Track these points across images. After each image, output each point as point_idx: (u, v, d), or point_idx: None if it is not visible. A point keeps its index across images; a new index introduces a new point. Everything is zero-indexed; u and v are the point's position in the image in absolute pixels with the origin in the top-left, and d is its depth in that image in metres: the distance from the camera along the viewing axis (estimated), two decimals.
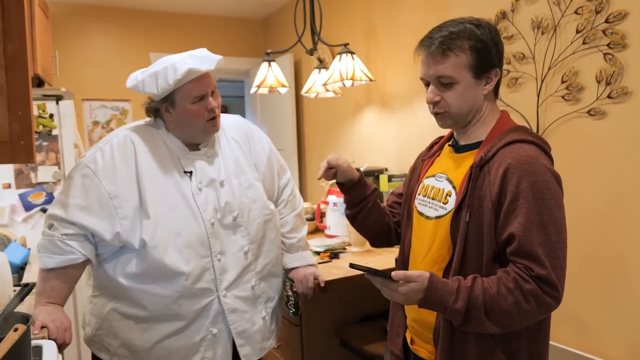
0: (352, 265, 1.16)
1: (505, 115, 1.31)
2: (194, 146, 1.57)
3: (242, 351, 1.57)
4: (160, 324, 1.50)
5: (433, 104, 1.27)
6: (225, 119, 1.70)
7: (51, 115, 2.91)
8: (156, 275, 1.46)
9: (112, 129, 4.00)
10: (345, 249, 2.49)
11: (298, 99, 4.03)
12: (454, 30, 1.22)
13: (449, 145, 1.39)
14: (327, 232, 2.75)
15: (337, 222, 2.70)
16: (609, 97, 1.86)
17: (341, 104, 3.50)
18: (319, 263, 2.24)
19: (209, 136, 1.59)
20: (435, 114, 1.29)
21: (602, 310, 1.90)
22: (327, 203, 2.77)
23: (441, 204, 1.29)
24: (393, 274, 1.12)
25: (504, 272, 1.15)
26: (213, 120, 1.54)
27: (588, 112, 1.93)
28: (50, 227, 1.47)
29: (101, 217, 1.43)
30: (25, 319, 1.24)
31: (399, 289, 1.13)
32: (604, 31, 1.86)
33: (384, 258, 2.30)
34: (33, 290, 1.49)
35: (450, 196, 1.27)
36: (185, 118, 1.50)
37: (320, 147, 3.85)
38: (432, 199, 1.33)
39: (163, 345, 1.50)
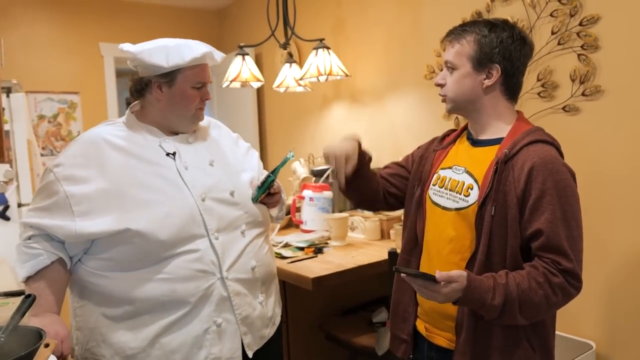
0: (396, 269, 1.17)
1: (522, 116, 1.39)
2: (172, 134, 1.54)
3: (244, 340, 1.49)
4: (154, 316, 1.41)
5: (439, 86, 1.39)
6: None
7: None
8: (145, 259, 1.39)
9: (59, 124, 3.77)
10: (327, 243, 2.50)
11: (259, 92, 3.98)
12: (469, 26, 1.35)
13: (466, 138, 1.44)
14: (303, 227, 2.74)
15: (313, 216, 2.69)
16: (583, 94, 1.99)
17: (307, 98, 3.50)
18: (304, 259, 2.25)
19: (192, 125, 1.56)
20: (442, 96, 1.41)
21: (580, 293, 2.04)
22: (302, 198, 2.77)
23: (462, 196, 1.33)
24: (437, 276, 1.15)
25: (532, 266, 1.22)
26: (201, 110, 1.55)
27: (563, 108, 2.06)
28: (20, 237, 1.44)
29: (56, 215, 1.38)
30: (39, 334, 1.17)
31: (442, 290, 1.16)
32: (577, 33, 1.98)
33: (367, 251, 2.34)
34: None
35: (472, 189, 1.32)
36: (179, 100, 1.48)
37: (284, 142, 3.83)
38: (451, 190, 1.37)
39: (161, 343, 1.41)
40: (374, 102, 2.98)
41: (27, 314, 1.41)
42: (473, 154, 1.38)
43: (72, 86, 3.80)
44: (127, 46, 1.48)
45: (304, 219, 2.74)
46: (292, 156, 1.64)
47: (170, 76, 1.46)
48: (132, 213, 1.38)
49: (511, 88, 1.36)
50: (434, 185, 1.43)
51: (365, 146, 1.55)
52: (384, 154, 2.94)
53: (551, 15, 2.06)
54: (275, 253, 2.33)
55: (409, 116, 2.76)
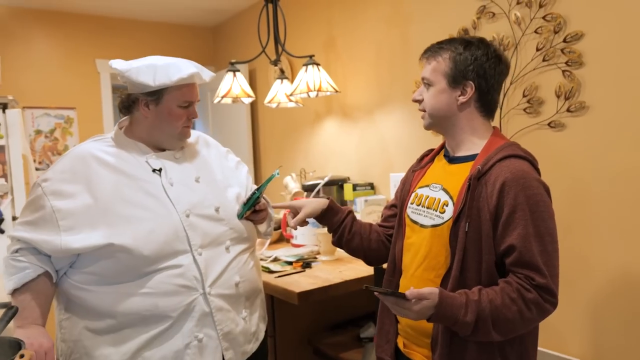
0: (366, 287, 1.17)
1: (498, 131, 1.40)
2: (159, 150, 1.55)
3: (226, 355, 1.49)
4: (136, 330, 1.41)
5: (417, 102, 1.43)
6: None
7: None
8: (128, 274, 1.40)
9: (56, 139, 3.80)
10: (316, 257, 2.51)
11: (253, 108, 4.01)
12: (445, 44, 1.38)
13: (443, 155, 1.46)
14: (293, 241, 2.76)
15: (303, 231, 2.71)
16: (568, 110, 2.00)
17: (299, 114, 3.53)
18: (292, 273, 2.25)
19: (179, 143, 1.57)
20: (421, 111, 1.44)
21: (564, 310, 2.04)
22: None
23: (437, 213, 1.34)
24: (407, 293, 1.15)
25: (506, 282, 1.22)
26: (187, 129, 1.56)
27: (548, 124, 2.07)
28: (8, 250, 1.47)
29: (42, 229, 1.40)
30: (19, 345, 1.18)
31: (413, 307, 1.16)
32: (562, 50, 2.01)
33: (356, 266, 2.34)
34: None
35: (447, 206, 1.32)
36: (166, 118, 1.50)
37: (277, 156, 3.85)
38: (428, 208, 1.38)
39: (143, 357, 1.41)
40: (365, 117, 3.01)
41: (13, 325, 1.44)
42: (449, 171, 1.39)
43: (68, 102, 3.83)
44: (116, 63, 1.50)
45: (294, 233, 2.76)
46: (278, 174, 1.66)
47: (157, 94, 1.48)
48: (116, 228, 1.39)
49: (486, 105, 1.37)
50: (411, 203, 1.44)
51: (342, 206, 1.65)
52: (375, 169, 2.96)
53: (536, 32, 2.08)
54: (263, 267, 2.34)
55: (399, 131, 2.78)
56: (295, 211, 1.59)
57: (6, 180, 2.72)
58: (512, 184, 1.23)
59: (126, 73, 1.46)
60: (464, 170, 1.34)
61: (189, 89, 1.50)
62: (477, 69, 1.33)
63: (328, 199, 1.61)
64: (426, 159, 1.52)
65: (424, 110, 1.41)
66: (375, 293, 1.19)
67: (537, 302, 1.20)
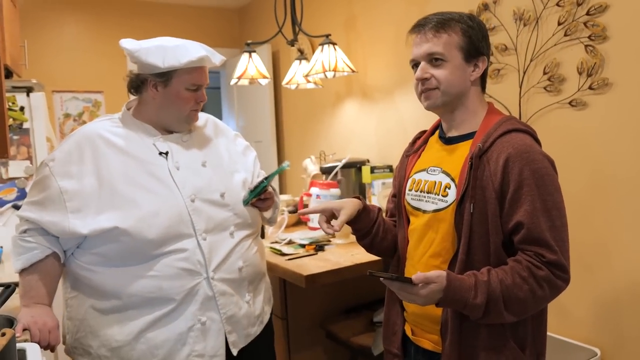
0: (371, 274, 1.13)
1: (493, 107, 1.34)
2: (166, 132, 1.55)
3: (229, 338, 1.50)
4: (140, 311, 1.43)
5: (422, 80, 1.28)
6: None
7: (22, 108, 2.81)
8: (133, 256, 1.41)
9: (84, 122, 3.89)
10: (329, 241, 2.48)
11: (276, 89, 3.99)
12: (448, 15, 1.29)
13: (438, 137, 1.39)
14: (310, 224, 2.74)
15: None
16: (590, 88, 1.89)
17: (321, 95, 3.49)
18: (303, 256, 2.24)
19: (187, 126, 1.56)
20: (425, 91, 1.29)
21: (582, 296, 1.95)
22: (309, 195, 2.75)
23: (440, 197, 1.28)
24: (414, 277, 1.11)
25: (516, 261, 1.17)
26: (195, 112, 1.54)
27: (569, 103, 1.96)
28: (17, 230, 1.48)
29: (50, 210, 1.41)
30: (10, 322, 1.20)
31: (420, 292, 1.12)
32: (585, 23, 1.88)
33: None
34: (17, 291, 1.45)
35: (449, 188, 1.27)
36: (174, 100, 1.49)
37: (300, 138, 3.82)
38: (428, 192, 1.32)
39: (146, 338, 1.43)
40: (384, 98, 2.94)
41: (20, 304, 1.47)
42: (447, 151, 1.33)
43: (96, 85, 3.92)
44: (126, 42, 1.48)
45: (311, 216, 2.73)
46: (288, 166, 1.64)
47: (165, 76, 1.47)
48: (121, 211, 1.40)
49: (485, 80, 1.33)
50: (410, 190, 1.38)
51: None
52: (393, 150, 2.90)
53: (558, 4, 1.96)
54: (275, 250, 2.33)
55: (417, 112, 2.70)
56: (330, 214, 1.39)
57: (31, 163, 2.80)
58: (516, 159, 1.17)
59: (135, 53, 1.45)
60: (462, 150, 1.28)
61: (198, 72, 1.49)
62: (487, 45, 1.29)
63: (358, 197, 1.46)
64: (419, 142, 1.45)
65: (437, 88, 1.27)
66: (381, 279, 1.14)
67: (549, 279, 1.14)
